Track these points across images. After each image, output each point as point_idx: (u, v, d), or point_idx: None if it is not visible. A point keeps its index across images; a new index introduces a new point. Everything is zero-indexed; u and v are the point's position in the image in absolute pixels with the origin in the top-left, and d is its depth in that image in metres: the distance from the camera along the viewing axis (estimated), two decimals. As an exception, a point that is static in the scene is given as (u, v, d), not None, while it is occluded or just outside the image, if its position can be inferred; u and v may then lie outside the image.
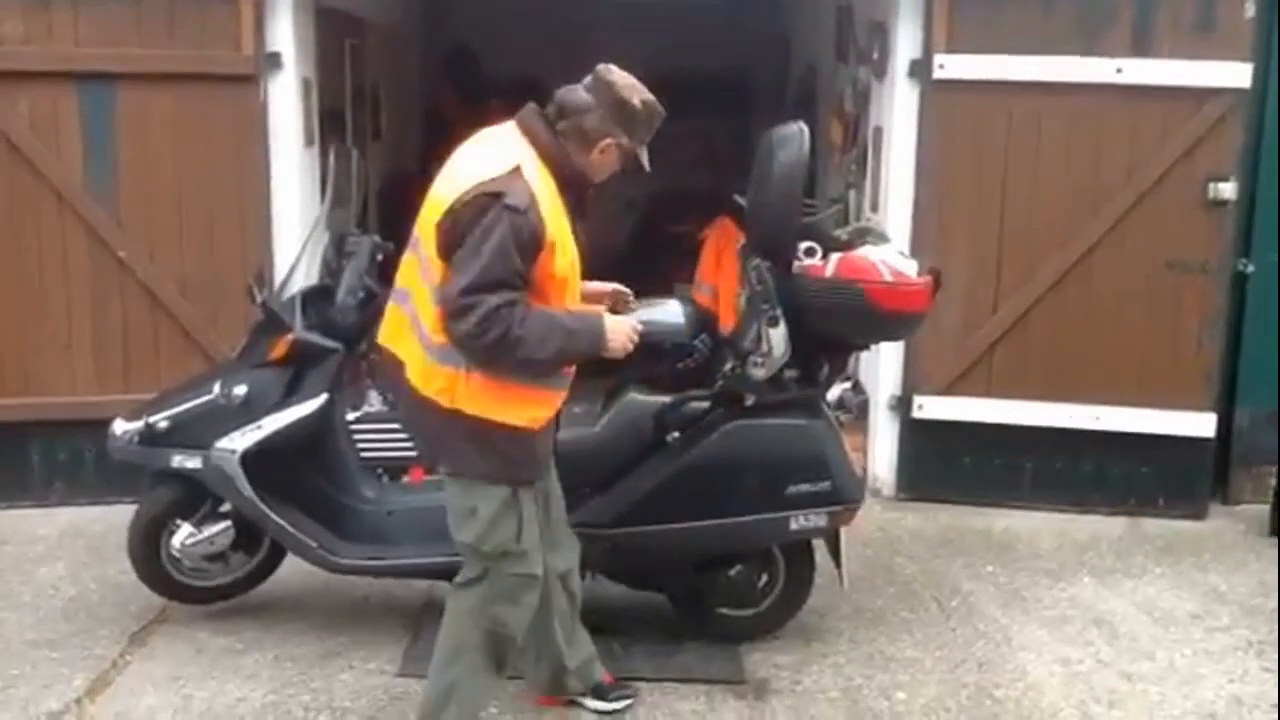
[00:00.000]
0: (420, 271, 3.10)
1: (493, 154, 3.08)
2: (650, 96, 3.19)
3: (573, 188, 3.16)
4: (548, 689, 3.65)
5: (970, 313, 5.36)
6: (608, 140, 3.15)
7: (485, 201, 2.95)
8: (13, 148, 5.11)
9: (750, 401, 3.79)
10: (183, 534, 4.01)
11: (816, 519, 3.83)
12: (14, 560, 4.75)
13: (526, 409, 3.12)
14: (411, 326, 3.14)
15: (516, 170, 3.01)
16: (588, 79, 3.18)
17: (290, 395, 3.99)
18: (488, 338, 2.94)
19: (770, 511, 3.81)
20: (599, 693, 3.66)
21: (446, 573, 4.02)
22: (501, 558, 3.18)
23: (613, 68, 3.19)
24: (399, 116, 8.24)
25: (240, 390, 3.97)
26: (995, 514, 5.40)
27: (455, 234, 2.97)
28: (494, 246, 2.93)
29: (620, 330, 3.16)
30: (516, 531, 3.17)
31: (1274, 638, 4.25)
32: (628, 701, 3.67)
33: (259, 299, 4.15)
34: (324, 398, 3.99)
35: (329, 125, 5.93)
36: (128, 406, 4.15)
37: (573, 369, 3.23)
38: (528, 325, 2.97)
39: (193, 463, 3.94)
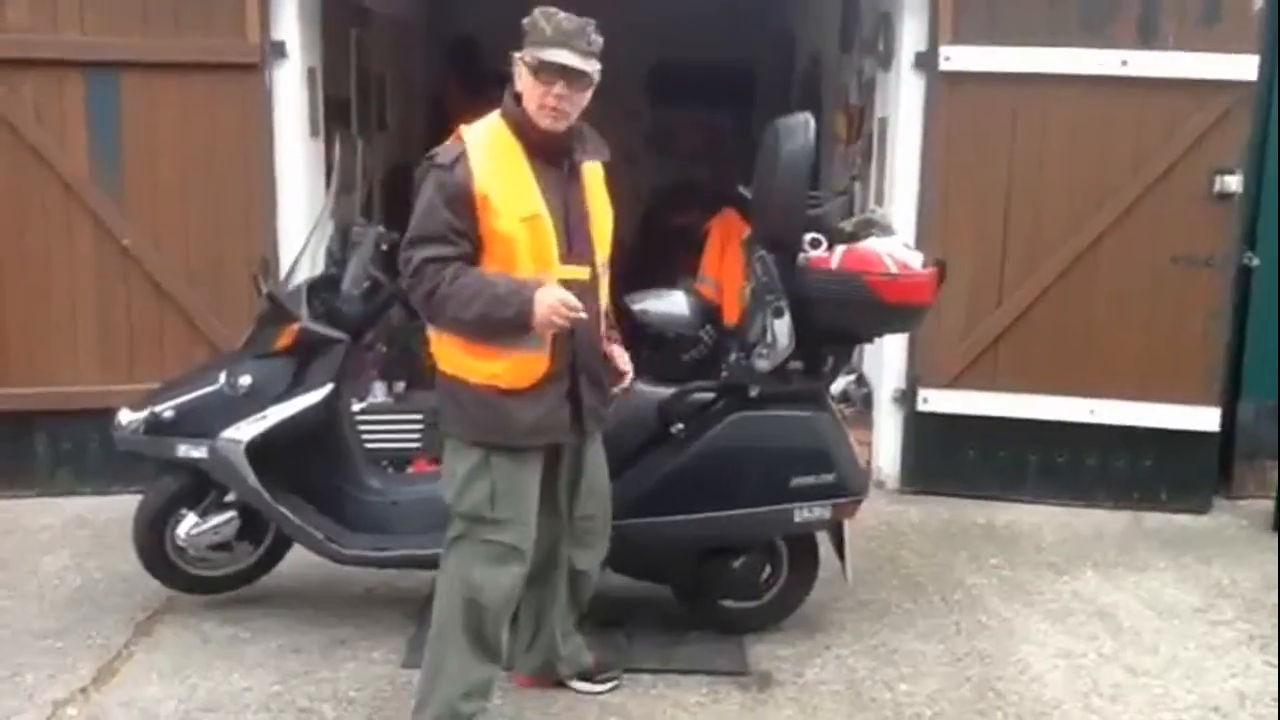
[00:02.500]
0: None
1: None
2: (545, 8, 3.13)
3: (541, 149, 3.16)
4: (535, 672, 3.66)
5: (975, 306, 5.36)
6: (518, 64, 3.13)
7: (425, 166, 3.15)
8: (18, 136, 5.12)
9: (755, 393, 3.79)
10: (188, 524, 4.01)
11: (820, 511, 3.83)
12: (19, 550, 4.76)
13: (485, 365, 3.15)
14: None
15: (459, 135, 3.14)
16: None
17: (295, 385, 3.99)
18: (418, 292, 3.10)
19: (774, 503, 3.81)
20: (586, 675, 3.68)
21: (451, 563, 4.06)
22: (475, 521, 3.21)
23: None
24: (404, 106, 8.22)
25: (245, 380, 3.97)
26: (999, 507, 5.41)
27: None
28: (424, 203, 3.10)
29: (546, 303, 3.03)
30: (489, 496, 3.18)
31: (1277, 632, 4.24)
32: (614, 683, 3.68)
33: (264, 289, 4.14)
34: (329, 388, 3.99)
35: (334, 115, 5.93)
36: (132, 396, 4.16)
37: (547, 333, 3.13)
38: (457, 284, 3.06)
39: (198, 452, 3.94)
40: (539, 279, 3.09)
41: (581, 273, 3.21)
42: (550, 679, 3.66)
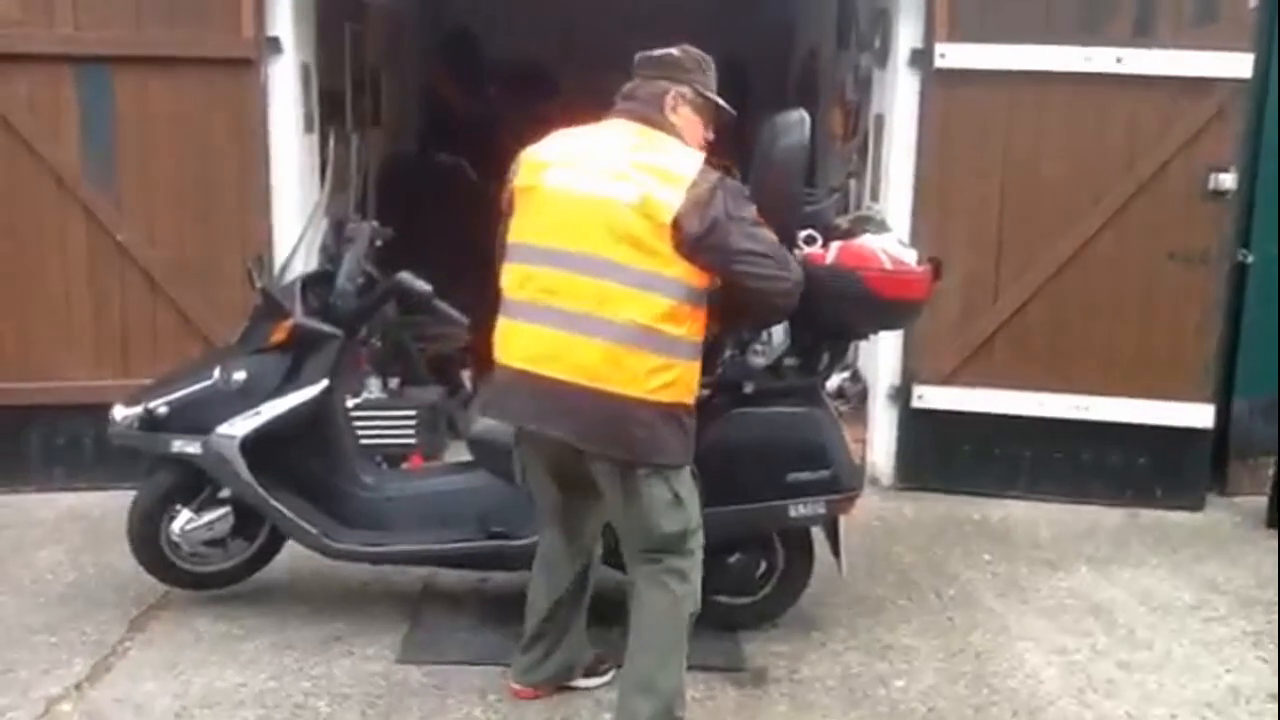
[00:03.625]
0: (596, 278, 3.09)
1: (669, 146, 3.21)
2: (691, 49, 3.38)
3: None
4: (545, 682, 3.63)
5: (970, 303, 5.36)
6: (671, 92, 3.26)
7: (719, 181, 3.11)
8: (11, 130, 5.10)
9: (750, 389, 3.79)
10: (182, 519, 4.01)
11: (815, 507, 3.83)
12: (13, 545, 4.75)
13: (697, 381, 3.25)
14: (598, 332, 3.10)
15: (703, 161, 3.18)
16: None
17: (290, 381, 3.98)
18: (793, 276, 3.22)
19: (769, 499, 3.81)
20: (589, 671, 3.68)
21: (445, 559, 4.06)
22: (697, 532, 3.29)
23: None
24: (399, 101, 8.22)
25: (240, 376, 3.96)
26: (993, 504, 5.41)
27: (707, 219, 3.05)
28: (752, 216, 3.16)
29: None
30: (698, 504, 3.29)
31: (1271, 628, 4.26)
32: (614, 673, 3.66)
33: (258, 284, 4.14)
34: (323, 384, 3.98)
35: (329, 110, 5.91)
36: (126, 391, 4.14)
37: None
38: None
39: (192, 448, 3.93)
40: None
41: None
42: (554, 688, 3.64)
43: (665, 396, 3.10)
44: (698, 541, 3.29)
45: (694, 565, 3.29)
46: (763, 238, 3.15)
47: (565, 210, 3.14)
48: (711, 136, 3.38)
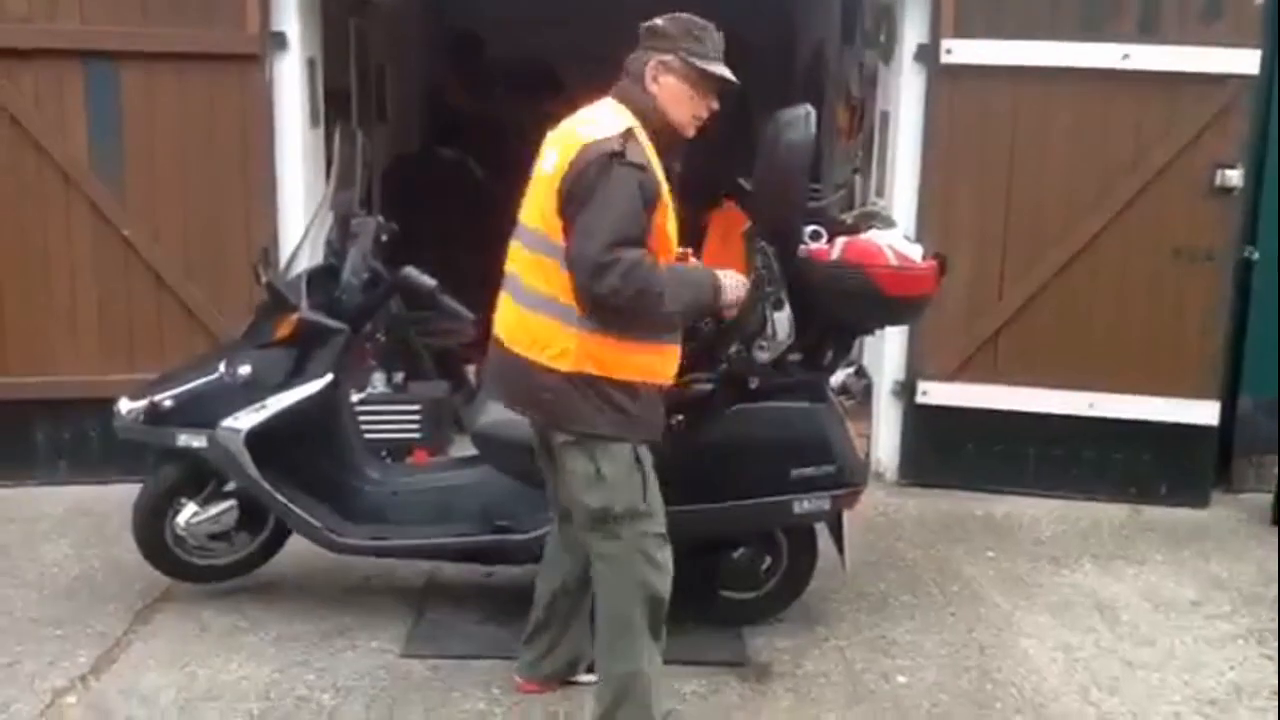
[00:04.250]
0: (529, 249, 3.17)
1: (603, 119, 3.13)
2: (683, 15, 3.22)
3: (667, 149, 3.18)
4: (553, 676, 3.63)
5: (975, 299, 5.36)
6: (652, 61, 3.15)
7: (606, 160, 2.99)
8: (18, 126, 5.11)
9: (754, 385, 3.78)
10: (187, 513, 4.03)
11: (820, 502, 3.84)
12: (20, 538, 4.77)
13: (645, 360, 3.17)
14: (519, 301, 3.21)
15: (630, 131, 3.07)
16: None
17: (295, 375, 3.99)
18: (627, 293, 2.99)
19: (774, 495, 3.81)
20: (594, 667, 3.63)
21: (449, 553, 4.07)
22: (634, 518, 3.20)
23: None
24: (404, 97, 8.22)
25: (245, 370, 3.97)
26: (997, 500, 5.41)
27: (579, 190, 3.01)
28: (623, 202, 3.00)
29: (729, 283, 3.28)
30: (642, 488, 3.20)
31: (1274, 626, 4.25)
32: None
33: (264, 279, 4.15)
34: (329, 378, 3.99)
35: (334, 106, 5.92)
36: (132, 385, 4.15)
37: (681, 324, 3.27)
38: (664, 278, 3.07)
39: (198, 442, 3.94)
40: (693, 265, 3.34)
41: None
42: (557, 682, 3.64)
43: (564, 365, 3.09)
44: (636, 530, 3.19)
45: (629, 552, 3.20)
46: (599, 227, 2.98)
47: (530, 187, 3.23)
48: (714, 106, 3.24)
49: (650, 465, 3.24)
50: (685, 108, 3.19)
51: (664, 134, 3.18)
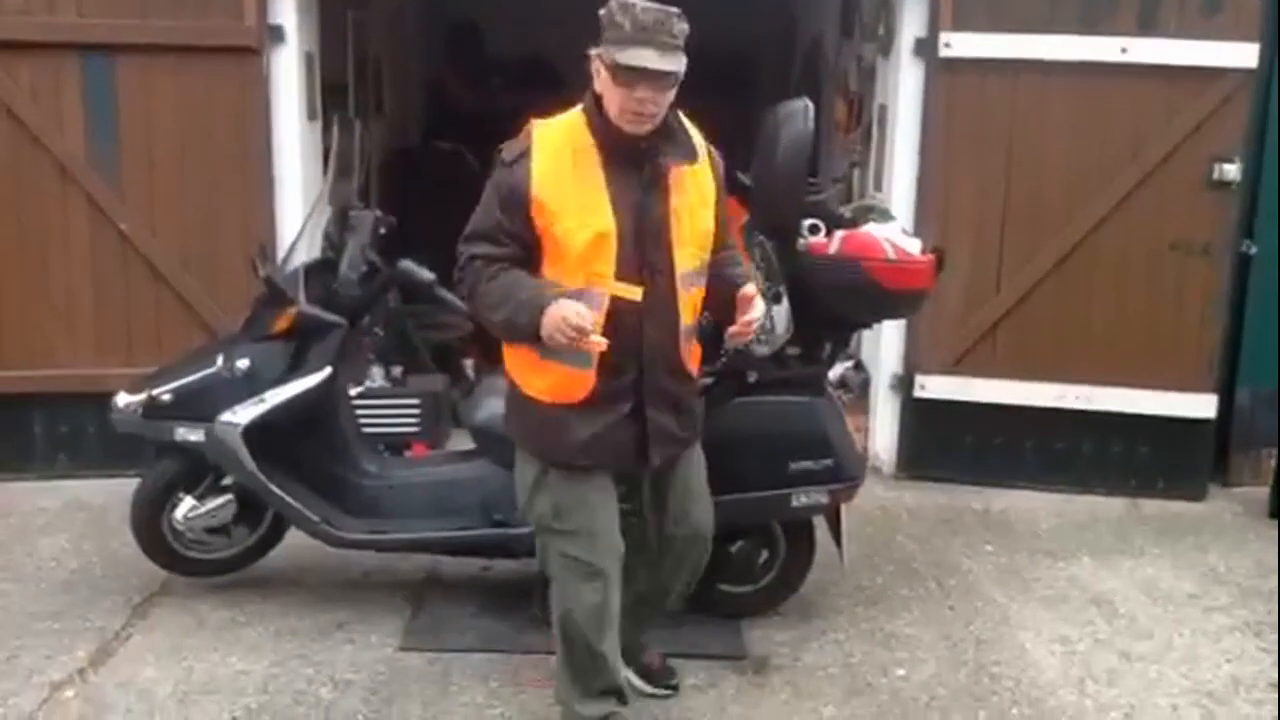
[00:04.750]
0: None
1: (557, 118, 3.04)
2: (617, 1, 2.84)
3: (619, 154, 2.92)
4: None
5: (973, 292, 5.35)
6: (595, 62, 2.87)
7: (495, 159, 3.01)
8: (15, 119, 5.10)
9: (753, 379, 3.79)
10: (185, 507, 4.03)
11: (818, 496, 3.84)
12: (17, 532, 4.76)
13: (533, 376, 3.04)
14: None
15: (528, 129, 2.98)
16: None
17: (293, 369, 3.99)
18: (462, 288, 3.03)
19: (772, 488, 3.82)
20: (647, 675, 3.59)
21: (448, 547, 4.07)
22: (546, 531, 3.14)
23: None
24: (401, 90, 8.21)
25: (243, 363, 3.97)
26: (995, 493, 5.41)
27: None
28: (483, 199, 3.01)
29: (553, 318, 2.78)
30: (551, 509, 3.07)
31: (1272, 618, 4.26)
32: (668, 693, 3.59)
33: (261, 272, 4.14)
34: (327, 372, 3.99)
35: (331, 98, 5.91)
36: (129, 379, 4.15)
37: (594, 351, 2.87)
38: (493, 284, 2.92)
39: (195, 435, 3.94)
40: (579, 289, 2.88)
41: (633, 292, 2.94)
42: None
43: (506, 367, 3.15)
44: (554, 545, 3.10)
45: (551, 561, 3.13)
46: (473, 221, 3.00)
47: None
48: (638, 97, 2.82)
49: (600, 497, 3.07)
50: (614, 103, 2.87)
51: (610, 132, 2.91)
